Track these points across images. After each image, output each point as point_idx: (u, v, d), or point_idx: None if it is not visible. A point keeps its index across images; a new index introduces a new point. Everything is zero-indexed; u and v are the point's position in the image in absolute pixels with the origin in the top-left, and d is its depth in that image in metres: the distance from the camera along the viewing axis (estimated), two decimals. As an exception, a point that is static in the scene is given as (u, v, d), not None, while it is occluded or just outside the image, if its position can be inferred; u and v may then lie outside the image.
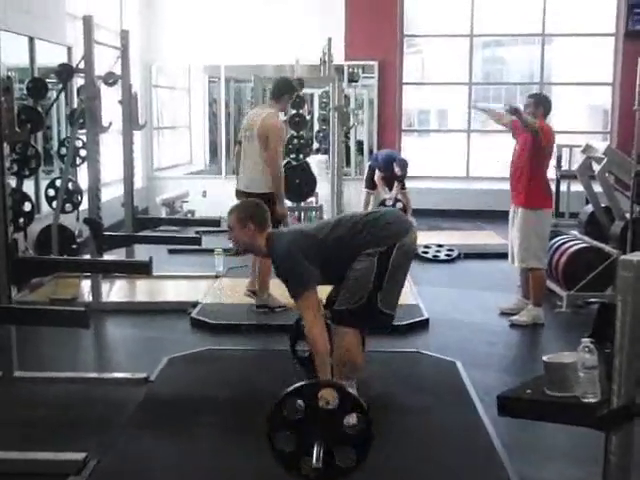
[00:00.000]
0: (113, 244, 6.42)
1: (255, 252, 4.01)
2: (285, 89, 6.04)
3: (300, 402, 3.16)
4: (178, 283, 6.95)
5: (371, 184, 10.03)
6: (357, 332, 3.82)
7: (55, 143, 7.91)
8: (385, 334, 4.83)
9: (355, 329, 3.80)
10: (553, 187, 9.65)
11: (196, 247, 7.27)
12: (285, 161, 8.22)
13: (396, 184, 9.86)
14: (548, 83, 12.12)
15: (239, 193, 5.83)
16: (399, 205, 9.97)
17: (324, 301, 3.95)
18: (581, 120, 13.36)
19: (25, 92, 6.61)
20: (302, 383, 3.26)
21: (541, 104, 5.75)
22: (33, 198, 6.67)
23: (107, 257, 6.34)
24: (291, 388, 3.16)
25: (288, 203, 7.98)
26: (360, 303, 3.72)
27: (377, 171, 9.84)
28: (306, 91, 8.84)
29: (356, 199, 10.10)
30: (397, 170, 9.82)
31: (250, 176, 5.78)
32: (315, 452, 3.08)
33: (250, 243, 3.87)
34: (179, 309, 5.93)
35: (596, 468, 2.32)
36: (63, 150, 7.21)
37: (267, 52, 10.77)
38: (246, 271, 6.96)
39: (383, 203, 10.03)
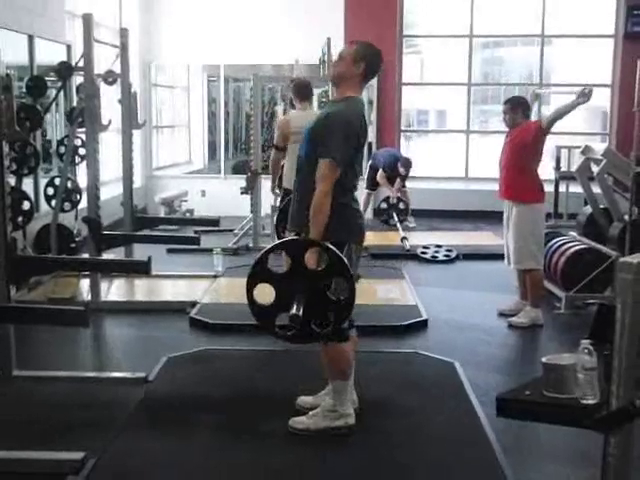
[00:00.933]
0: (112, 243, 6.41)
1: (337, 85, 3.70)
2: (311, 90, 6.44)
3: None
4: (177, 283, 6.95)
5: (372, 184, 10.09)
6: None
7: (54, 142, 7.91)
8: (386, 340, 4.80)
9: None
10: (552, 188, 9.72)
11: (195, 246, 7.28)
12: (284, 161, 8.23)
13: (398, 180, 9.95)
14: (547, 84, 12.12)
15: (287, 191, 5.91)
16: (402, 205, 9.99)
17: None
18: (580, 121, 13.34)
19: (24, 90, 6.60)
20: (292, 238, 3.22)
21: (518, 106, 5.78)
22: (32, 197, 6.65)
23: (106, 256, 6.33)
24: (280, 241, 3.13)
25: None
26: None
27: (380, 171, 9.89)
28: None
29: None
30: (402, 170, 9.90)
31: None
32: (295, 303, 3.03)
33: (343, 80, 3.66)
34: (178, 309, 5.93)
35: (595, 470, 2.32)
36: (62, 149, 7.20)
37: (266, 52, 10.77)
38: (245, 271, 6.97)
39: (387, 200, 10.06)
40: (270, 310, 3.12)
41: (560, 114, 5.73)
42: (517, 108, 5.75)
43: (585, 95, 5.68)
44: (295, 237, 3.30)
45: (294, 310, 3.02)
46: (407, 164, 9.98)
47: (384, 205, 10.18)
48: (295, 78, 7.13)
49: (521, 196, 5.68)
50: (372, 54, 3.71)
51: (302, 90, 6.29)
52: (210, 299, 6.22)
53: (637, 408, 2.10)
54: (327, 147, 3.47)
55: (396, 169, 9.93)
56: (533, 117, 6.05)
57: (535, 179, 5.73)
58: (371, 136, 11.56)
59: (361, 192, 9.74)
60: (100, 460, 3.38)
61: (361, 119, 3.65)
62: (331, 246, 3.29)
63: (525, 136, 5.64)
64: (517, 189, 5.70)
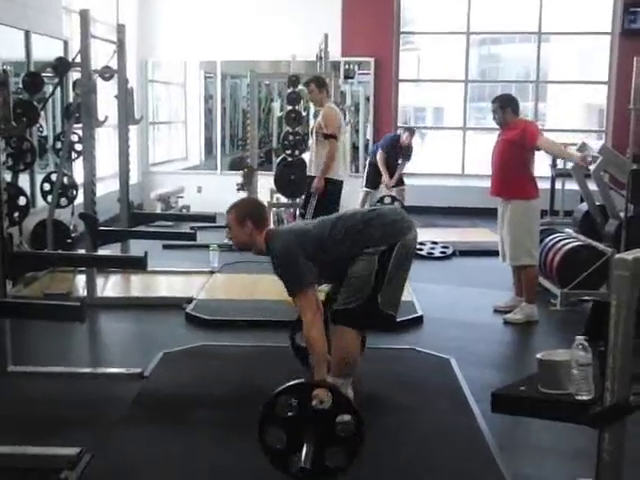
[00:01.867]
0: (108, 239, 6.41)
1: (254, 250, 3.99)
2: None
3: (293, 400, 3.16)
4: (173, 278, 6.94)
5: (372, 183, 9.94)
6: (356, 331, 3.78)
7: (50, 137, 7.90)
8: (388, 333, 4.81)
9: (354, 329, 3.77)
10: (548, 185, 9.74)
11: (191, 242, 7.29)
12: (280, 157, 8.24)
13: (400, 162, 9.76)
14: (544, 81, 12.13)
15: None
16: (397, 204, 9.94)
17: (324, 299, 3.95)
18: (577, 118, 13.38)
19: (21, 86, 6.59)
20: (296, 382, 3.26)
21: (507, 105, 5.76)
22: (28, 192, 6.65)
23: (102, 252, 6.33)
24: (285, 386, 3.17)
25: (283, 200, 8.03)
26: (359, 303, 3.68)
27: (379, 152, 9.72)
28: (302, 87, 8.82)
29: (351, 195, 10.08)
30: (405, 137, 9.70)
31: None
32: (304, 452, 3.07)
33: (248, 241, 3.86)
34: (174, 304, 5.93)
35: (589, 465, 2.33)
36: (58, 144, 7.20)
37: (263, 48, 10.76)
38: (241, 267, 7.00)
39: (381, 200, 10.00)
40: (283, 454, 3.17)
41: (554, 153, 5.75)
42: (506, 106, 5.74)
43: (585, 163, 5.73)
44: (301, 381, 3.33)
45: (302, 463, 3.05)
46: (410, 130, 9.85)
47: (378, 204, 10.09)
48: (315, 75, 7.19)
49: (514, 193, 5.68)
50: (249, 207, 3.95)
51: (326, 84, 6.73)
52: (206, 295, 6.22)
53: (631, 404, 2.11)
54: (291, 284, 3.68)
55: (397, 146, 9.72)
56: (530, 116, 6.03)
57: (528, 176, 5.73)
58: (368, 133, 11.58)
59: (360, 190, 9.80)
60: (95, 455, 3.37)
61: (293, 240, 3.78)
62: (335, 385, 3.39)
63: (517, 137, 5.63)
64: (510, 186, 5.70)
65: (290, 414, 3.14)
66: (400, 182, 9.96)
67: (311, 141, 6.94)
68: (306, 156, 7.68)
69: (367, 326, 3.91)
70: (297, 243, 3.73)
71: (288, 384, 3.17)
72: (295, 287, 3.67)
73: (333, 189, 6.64)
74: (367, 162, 10.08)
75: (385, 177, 9.74)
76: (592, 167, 7.61)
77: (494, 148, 5.87)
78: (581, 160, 5.79)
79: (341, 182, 6.74)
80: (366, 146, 11.50)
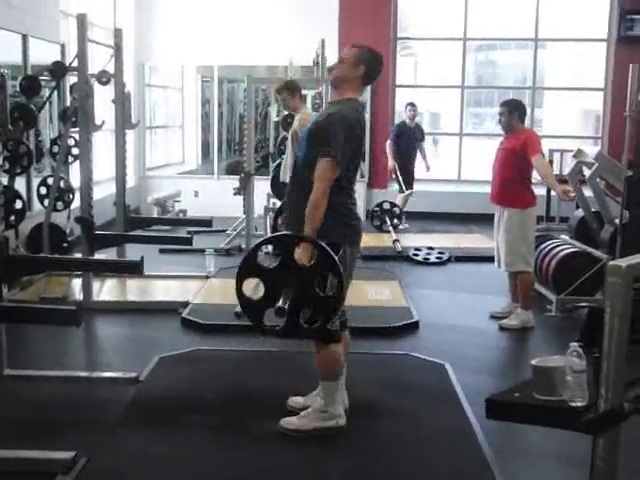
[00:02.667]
0: (104, 243, 6.41)
1: (336, 87, 3.75)
2: None
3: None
4: (169, 283, 6.94)
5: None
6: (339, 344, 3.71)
7: (47, 141, 7.90)
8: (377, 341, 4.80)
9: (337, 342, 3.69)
10: (544, 191, 9.75)
11: (187, 247, 7.28)
12: (277, 162, 8.25)
13: (420, 150, 10.14)
14: (540, 88, 12.17)
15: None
16: (396, 210, 9.92)
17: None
18: (573, 125, 13.41)
19: (18, 90, 6.60)
20: (283, 232, 3.23)
21: (515, 110, 5.77)
22: (25, 196, 6.65)
23: (98, 256, 6.33)
24: (271, 235, 3.14)
25: (279, 203, 8.02)
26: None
27: (388, 142, 9.93)
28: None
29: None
30: (408, 110, 9.93)
31: None
32: (282, 297, 3.05)
33: (343, 81, 3.69)
34: (170, 309, 5.93)
35: (583, 471, 2.33)
36: (55, 148, 7.20)
37: (260, 53, 10.78)
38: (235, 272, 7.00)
39: (380, 205, 9.99)
40: (259, 304, 3.13)
41: (541, 176, 5.80)
42: (514, 111, 5.75)
43: (568, 197, 5.81)
44: (287, 232, 3.31)
45: (280, 303, 3.02)
46: (410, 103, 10.08)
47: (377, 210, 10.06)
48: (287, 80, 7.21)
49: (513, 202, 5.70)
50: (372, 58, 3.74)
51: (299, 89, 6.75)
52: (202, 299, 6.22)
53: (625, 411, 2.11)
54: (327, 146, 3.47)
55: (406, 130, 9.90)
56: (526, 122, 6.04)
57: (527, 184, 5.75)
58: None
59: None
60: (91, 460, 3.38)
61: (361, 120, 3.69)
62: (322, 243, 3.29)
63: (518, 147, 5.64)
64: (509, 195, 5.71)
65: (272, 265, 3.11)
66: (409, 184, 10.03)
67: (288, 147, 6.93)
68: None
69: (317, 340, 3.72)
70: (357, 127, 3.61)
71: (273, 235, 3.14)
72: (329, 153, 3.46)
73: None
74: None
75: (390, 162, 9.95)
76: (588, 173, 7.63)
77: (495, 156, 5.89)
78: (563, 194, 5.81)
79: None
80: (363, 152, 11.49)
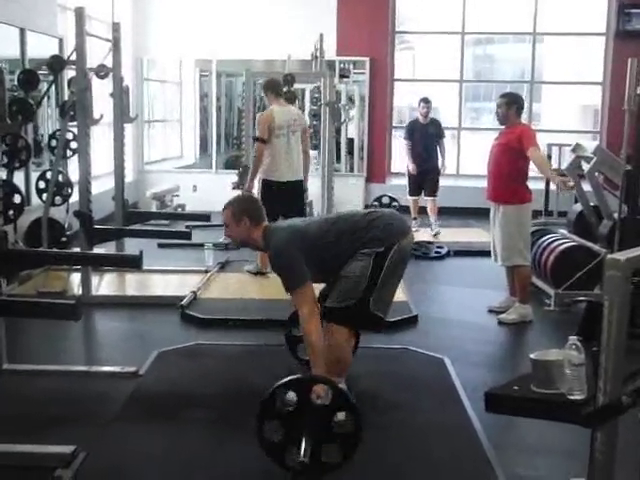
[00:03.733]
0: (103, 237, 6.42)
1: (251, 246, 4.01)
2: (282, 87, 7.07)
3: (292, 395, 3.19)
4: (168, 277, 6.93)
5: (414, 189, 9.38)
6: (347, 330, 3.80)
7: (46, 135, 7.89)
8: (376, 334, 4.80)
9: (344, 327, 3.78)
10: (543, 186, 9.76)
11: (186, 241, 7.28)
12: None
13: (439, 149, 9.24)
14: (539, 82, 12.16)
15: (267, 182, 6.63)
16: (395, 204, 9.87)
17: (317, 297, 3.96)
18: (571, 119, 13.40)
19: (16, 84, 6.58)
20: (296, 376, 3.28)
21: (514, 102, 5.77)
22: (23, 190, 6.63)
23: (97, 250, 6.33)
24: (285, 380, 3.18)
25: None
26: (351, 302, 3.69)
27: (405, 142, 9.35)
28: (297, 86, 8.83)
29: (346, 195, 10.09)
30: (421, 107, 9.24)
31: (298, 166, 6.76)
32: (303, 446, 3.10)
33: (246, 238, 3.88)
34: (169, 303, 5.92)
35: (582, 464, 2.34)
36: (54, 142, 7.19)
37: (259, 47, 10.76)
38: (235, 266, 7.03)
39: (379, 199, 9.96)
40: (280, 446, 3.19)
41: (538, 167, 5.77)
42: (512, 105, 5.74)
43: (566, 187, 5.79)
44: (299, 377, 3.36)
45: (301, 457, 3.08)
46: (423, 99, 9.24)
47: (376, 204, 10.02)
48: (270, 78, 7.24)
49: (509, 198, 5.69)
50: (245, 203, 3.96)
51: (277, 87, 6.86)
52: (201, 294, 6.22)
53: (623, 404, 2.12)
54: (289, 280, 3.68)
55: (419, 127, 9.22)
56: (524, 116, 6.03)
57: (523, 180, 5.73)
58: (363, 133, 11.58)
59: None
60: (90, 454, 3.38)
61: (291, 239, 3.78)
62: (335, 382, 3.33)
63: (513, 142, 5.64)
64: (505, 192, 5.70)
65: (288, 409, 3.17)
66: (432, 191, 9.29)
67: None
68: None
69: (356, 326, 3.91)
70: (294, 239, 3.74)
71: (287, 379, 3.19)
72: (292, 283, 3.67)
73: (270, 191, 6.62)
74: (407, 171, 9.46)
75: (409, 165, 9.29)
76: (586, 168, 7.64)
77: (490, 152, 5.88)
78: (562, 184, 5.81)
79: (282, 183, 6.64)
80: (361, 147, 11.51)
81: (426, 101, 9.26)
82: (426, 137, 9.21)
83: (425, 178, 9.22)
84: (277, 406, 3.19)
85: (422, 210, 9.35)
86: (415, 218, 9.23)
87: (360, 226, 3.80)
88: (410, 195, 9.39)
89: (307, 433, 3.12)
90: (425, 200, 9.37)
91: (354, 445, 3.16)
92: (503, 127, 5.85)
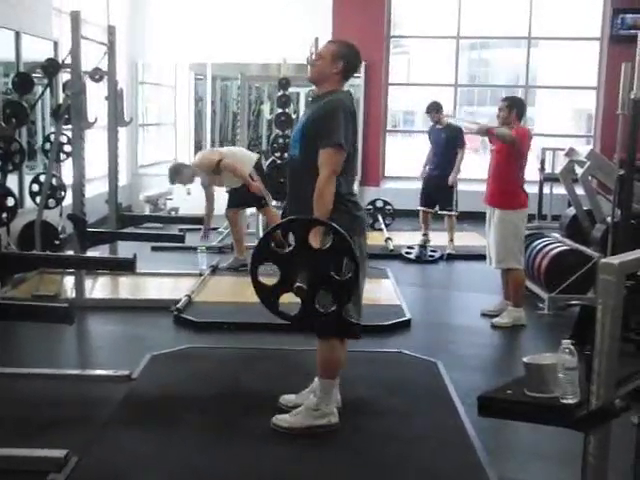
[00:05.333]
0: (97, 241, 6.39)
1: (319, 83, 3.72)
2: None
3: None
4: (161, 280, 6.93)
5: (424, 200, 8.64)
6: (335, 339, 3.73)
7: (39, 138, 7.88)
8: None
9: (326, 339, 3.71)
10: (536, 189, 9.78)
11: (179, 244, 7.27)
12: (270, 160, 8.26)
13: (459, 154, 8.35)
14: (533, 86, 12.19)
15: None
16: (388, 208, 9.78)
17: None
18: (565, 123, 13.44)
19: (10, 87, 6.58)
20: (296, 217, 3.24)
21: (514, 107, 5.79)
22: (16, 193, 6.63)
23: (90, 254, 6.31)
24: (284, 220, 3.15)
25: (272, 202, 8.05)
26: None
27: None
28: (292, 90, 8.84)
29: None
30: (432, 118, 8.46)
31: None
32: (300, 278, 3.07)
33: (323, 76, 3.69)
34: (162, 306, 5.92)
35: (575, 468, 2.34)
36: (47, 145, 7.18)
37: (254, 51, 10.76)
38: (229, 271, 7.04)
39: (373, 203, 9.93)
40: (274, 290, 3.14)
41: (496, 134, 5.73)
42: (513, 108, 5.76)
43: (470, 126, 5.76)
44: (299, 216, 3.31)
45: (298, 283, 3.03)
46: (432, 106, 8.46)
47: (370, 207, 10.01)
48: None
49: (505, 203, 5.70)
50: (350, 53, 3.76)
51: None
52: (195, 297, 6.21)
53: (617, 408, 2.12)
54: (330, 135, 3.48)
55: (431, 131, 8.60)
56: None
57: (519, 186, 5.75)
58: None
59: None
60: (82, 458, 3.37)
61: (353, 110, 3.69)
62: (335, 225, 3.25)
63: (510, 146, 5.65)
64: (501, 197, 5.72)
65: (286, 250, 3.14)
66: (444, 204, 8.49)
67: None
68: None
69: (337, 335, 3.75)
70: (352, 112, 3.62)
71: (286, 219, 3.16)
72: (333, 141, 3.47)
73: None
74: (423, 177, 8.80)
75: (420, 169, 8.73)
76: (580, 172, 7.65)
77: (490, 157, 5.91)
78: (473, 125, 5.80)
79: None
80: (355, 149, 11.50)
81: (428, 110, 8.51)
82: (438, 143, 8.51)
83: (437, 188, 8.46)
84: (273, 247, 3.16)
85: (414, 213, 9.32)
86: (425, 234, 8.59)
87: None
88: (419, 205, 8.73)
89: (303, 272, 3.09)
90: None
91: (348, 292, 3.12)
92: None
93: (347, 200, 3.60)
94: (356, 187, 11.04)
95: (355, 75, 9.52)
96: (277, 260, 3.14)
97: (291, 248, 3.15)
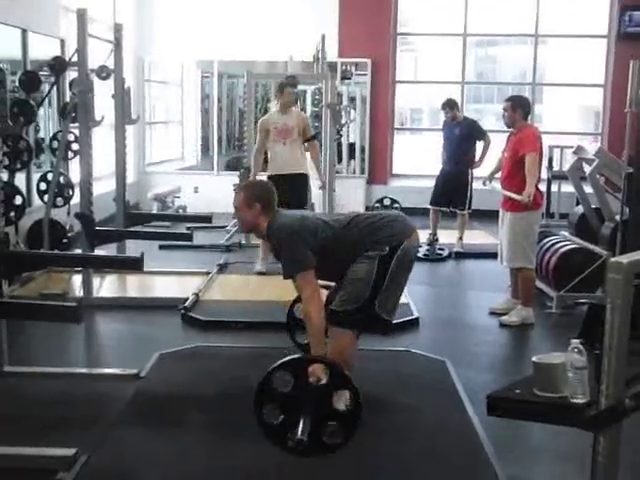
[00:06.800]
0: (104, 239, 6.41)
1: (257, 233, 3.97)
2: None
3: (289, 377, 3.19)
4: (169, 279, 6.94)
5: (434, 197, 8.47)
6: (352, 334, 3.79)
7: (47, 137, 7.89)
8: (382, 337, 4.78)
9: (350, 330, 3.77)
10: (544, 187, 9.74)
11: (187, 243, 7.28)
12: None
13: (484, 142, 8.21)
14: (540, 84, 12.16)
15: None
16: (396, 206, 9.74)
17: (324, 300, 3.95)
18: (573, 121, 13.40)
19: (17, 85, 6.59)
20: (293, 357, 3.27)
21: (519, 106, 5.75)
22: (24, 192, 6.64)
23: (98, 252, 6.32)
24: (281, 361, 3.18)
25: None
26: (356, 305, 3.68)
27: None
28: (299, 88, 8.83)
29: (347, 197, 10.10)
30: (445, 115, 8.40)
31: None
32: (301, 425, 3.08)
33: (254, 224, 3.84)
34: (170, 305, 5.92)
35: (584, 468, 2.33)
36: (55, 144, 7.19)
37: (260, 48, 10.76)
38: (238, 267, 7.03)
39: (381, 201, 9.90)
40: (280, 429, 3.19)
41: (526, 173, 5.62)
42: (518, 108, 5.73)
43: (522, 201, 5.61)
44: (296, 356, 3.38)
45: (299, 435, 3.08)
46: (447, 104, 8.36)
47: (377, 206, 9.99)
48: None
49: (519, 207, 5.62)
50: (259, 190, 3.91)
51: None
52: (203, 296, 6.21)
53: (626, 407, 2.11)
54: (292, 266, 3.67)
55: (445, 126, 8.47)
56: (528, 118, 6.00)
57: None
58: (364, 134, 11.58)
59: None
60: (92, 456, 3.37)
61: (297, 225, 3.77)
62: (330, 359, 3.35)
63: (518, 146, 5.63)
64: (515, 202, 5.64)
65: (286, 389, 3.16)
66: (457, 203, 8.36)
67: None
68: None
69: (362, 328, 3.90)
70: (301, 227, 3.73)
71: (284, 359, 3.18)
72: (294, 268, 3.66)
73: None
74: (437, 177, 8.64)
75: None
76: (588, 170, 7.63)
77: (502, 159, 5.89)
78: (522, 198, 5.69)
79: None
80: (362, 148, 11.51)
81: (443, 107, 8.41)
82: (451, 139, 8.35)
83: (452, 185, 8.28)
84: (274, 388, 3.19)
85: (422, 211, 9.30)
86: (434, 234, 8.43)
87: (366, 229, 3.79)
88: (429, 203, 8.56)
89: (305, 413, 3.10)
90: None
91: (354, 424, 3.14)
92: (510, 130, 5.84)
93: (368, 249, 3.72)
94: (363, 185, 11.13)
95: (362, 73, 9.58)
96: (279, 401, 3.20)
97: (290, 389, 3.19)
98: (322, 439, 3.15)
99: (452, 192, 8.34)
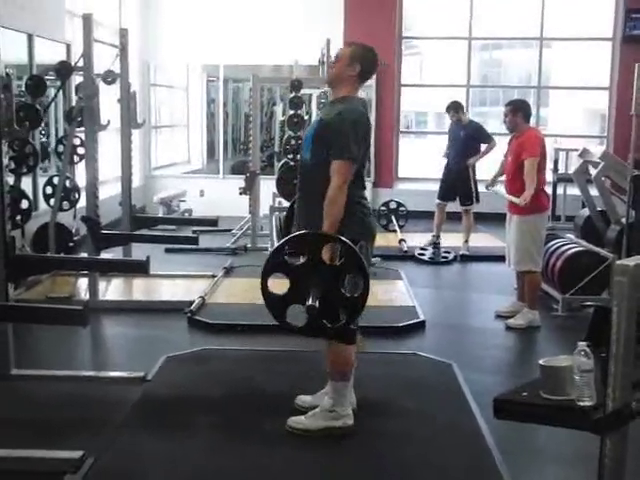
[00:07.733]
0: (110, 243, 6.40)
1: (334, 91, 3.77)
2: None
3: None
4: (175, 282, 6.95)
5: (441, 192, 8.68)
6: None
7: (53, 141, 7.91)
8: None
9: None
10: (550, 190, 9.73)
11: (193, 246, 7.29)
12: (282, 161, 8.27)
13: (489, 145, 8.41)
14: (546, 87, 12.14)
15: None
16: (402, 209, 9.73)
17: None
18: (578, 124, 13.38)
19: (24, 89, 6.60)
20: (309, 232, 3.26)
21: (519, 109, 5.75)
22: (31, 195, 6.65)
23: (104, 256, 6.34)
24: (297, 234, 3.16)
25: (285, 204, 8.07)
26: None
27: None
28: (304, 92, 8.84)
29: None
30: (450, 117, 8.58)
31: None
32: (311, 295, 3.10)
33: (338, 80, 3.71)
34: (176, 308, 5.93)
35: (591, 471, 2.33)
36: (61, 148, 7.21)
37: (266, 52, 10.77)
38: (244, 271, 7.04)
39: (387, 204, 9.91)
40: (283, 300, 3.16)
41: (525, 178, 5.62)
42: (518, 111, 5.73)
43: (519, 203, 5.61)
44: (311, 231, 3.33)
45: (310, 301, 3.05)
46: (452, 106, 8.57)
47: (383, 209, 10.01)
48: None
49: (524, 210, 5.62)
50: (368, 55, 3.77)
51: None
52: (209, 299, 6.22)
53: (633, 410, 2.11)
54: (341, 147, 3.50)
55: (450, 128, 8.67)
56: (532, 121, 6.01)
57: (538, 190, 5.64)
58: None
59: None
60: (98, 459, 3.38)
61: (366, 116, 3.70)
62: (348, 241, 3.28)
63: (519, 150, 5.63)
64: (519, 206, 5.65)
65: (297, 263, 3.16)
66: (463, 199, 8.53)
67: None
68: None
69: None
70: (364, 127, 3.62)
71: (298, 232, 3.17)
72: (344, 154, 3.49)
73: None
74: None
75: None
76: (593, 172, 7.62)
77: (504, 158, 5.90)
78: (519, 200, 5.68)
79: None
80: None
81: (448, 110, 8.62)
82: (456, 140, 8.57)
83: (457, 181, 8.51)
84: (285, 259, 3.18)
85: (428, 214, 9.29)
86: (437, 235, 8.55)
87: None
88: (437, 198, 8.74)
89: (315, 288, 3.11)
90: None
91: (359, 310, 3.16)
92: (512, 134, 5.84)
93: (357, 203, 3.61)
94: (369, 188, 11.10)
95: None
96: (288, 272, 3.15)
97: (302, 261, 3.16)
98: (323, 321, 3.14)
99: (460, 187, 8.47)
